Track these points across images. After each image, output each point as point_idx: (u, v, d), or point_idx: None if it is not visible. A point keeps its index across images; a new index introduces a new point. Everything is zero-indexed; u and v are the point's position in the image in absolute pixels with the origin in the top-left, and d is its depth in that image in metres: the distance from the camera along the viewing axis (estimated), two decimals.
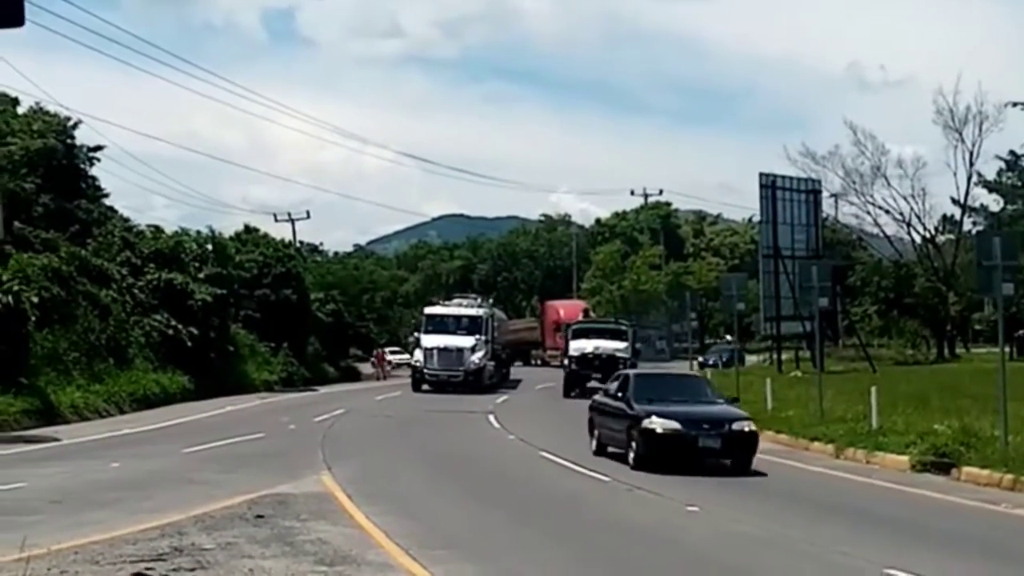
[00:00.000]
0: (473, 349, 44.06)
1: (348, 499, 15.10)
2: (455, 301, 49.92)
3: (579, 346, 41.78)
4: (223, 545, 11.52)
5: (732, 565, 11.28)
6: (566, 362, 42.59)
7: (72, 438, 24.99)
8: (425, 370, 43.86)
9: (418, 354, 44.82)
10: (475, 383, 43.14)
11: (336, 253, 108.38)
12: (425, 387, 43.42)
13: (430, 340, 44.17)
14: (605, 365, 39.38)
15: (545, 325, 75.26)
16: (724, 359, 58.07)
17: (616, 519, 14.21)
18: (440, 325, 45.17)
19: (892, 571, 10.52)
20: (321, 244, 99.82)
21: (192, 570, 10.12)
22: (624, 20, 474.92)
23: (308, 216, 74.68)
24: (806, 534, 12.99)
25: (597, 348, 41.33)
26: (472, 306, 47.94)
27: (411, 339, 44.91)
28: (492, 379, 45.96)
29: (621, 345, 42.06)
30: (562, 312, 69.52)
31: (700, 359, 60.05)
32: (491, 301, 55.23)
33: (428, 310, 48.26)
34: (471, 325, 45.23)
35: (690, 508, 14.67)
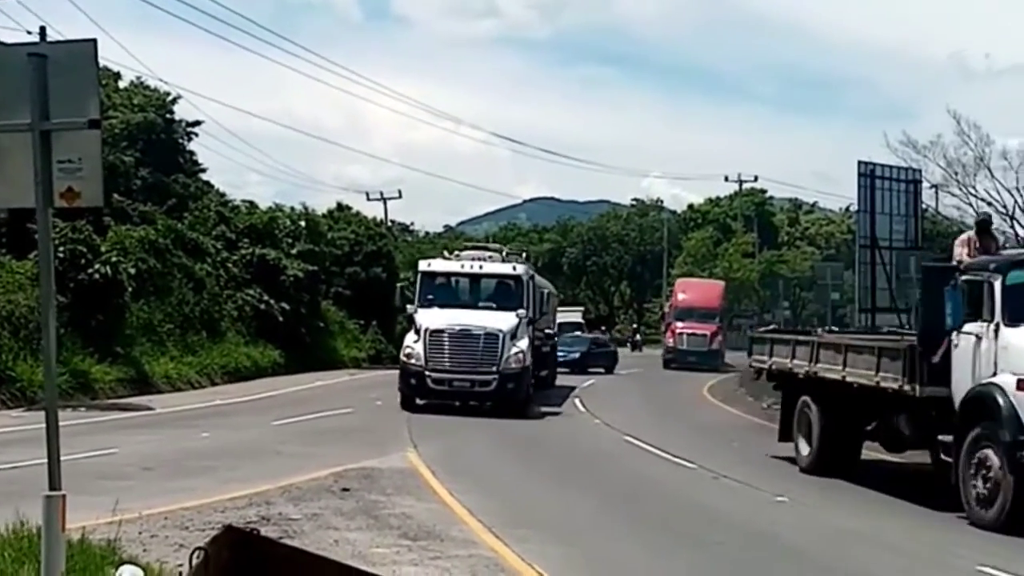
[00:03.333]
0: (514, 335, 24.76)
1: (433, 476, 15.15)
2: (468, 253, 28.39)
3: None
4: (309, 516, 11.63)
5: (820, 557, 11.08)
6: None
7: (165, 407, 25.42)
8: (427, 372, 24.33)
9: (410, 341, 24.95)
10: (513, 396, 24.63)
11: (427, 233, 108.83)
12: (420, 401, 24.66)
13: (433, 318, 24.82)
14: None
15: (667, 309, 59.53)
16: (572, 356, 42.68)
17: (702, 507, 14.05)
18: (449, 293, 26.59)
19: (984, 568, 10.31)
20: (412, 224, 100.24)
21: (279, 539, 10.18)
22: (725, 5, 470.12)
23: (400, 196, 74.16)
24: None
25: None
26: (504, 261, 27.46)
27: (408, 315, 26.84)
28: (530, 388, 26.32)
29: None
30: (684, 295, 53.62)
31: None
32: (524, 255, 31.20)
33: (426, 265, 27.46)
34: (504, 294, 25.98)
35: (779, 499, 14.43)
